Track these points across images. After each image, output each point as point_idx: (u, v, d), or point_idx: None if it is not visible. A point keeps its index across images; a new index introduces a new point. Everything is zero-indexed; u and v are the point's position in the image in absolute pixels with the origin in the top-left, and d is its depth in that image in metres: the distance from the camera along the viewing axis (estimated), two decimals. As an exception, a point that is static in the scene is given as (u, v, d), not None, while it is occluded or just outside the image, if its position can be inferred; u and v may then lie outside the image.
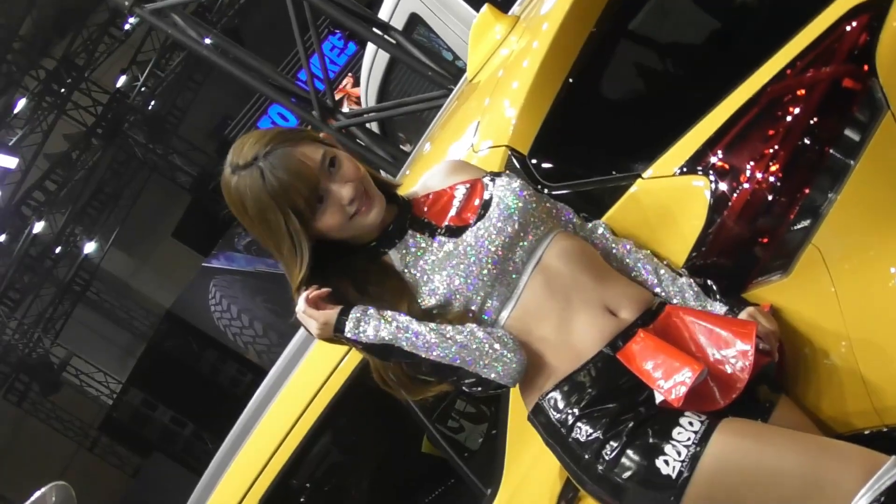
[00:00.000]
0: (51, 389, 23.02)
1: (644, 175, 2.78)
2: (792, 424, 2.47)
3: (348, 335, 2.49)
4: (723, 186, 2.61)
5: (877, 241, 2.50)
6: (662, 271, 2.67)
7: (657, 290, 2.65)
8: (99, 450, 23.80)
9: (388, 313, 2.49)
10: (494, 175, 2.72)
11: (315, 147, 2.54)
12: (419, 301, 2.53)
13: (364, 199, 2.54)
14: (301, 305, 2.52)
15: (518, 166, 3.01)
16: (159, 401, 22.02)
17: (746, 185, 2.58)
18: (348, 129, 8.40)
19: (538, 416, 2.53)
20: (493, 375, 2.46)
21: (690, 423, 2.35)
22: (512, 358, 2.47)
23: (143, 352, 22.38)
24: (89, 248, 23.31)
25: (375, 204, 2.56)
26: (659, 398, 2.39)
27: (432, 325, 2.47)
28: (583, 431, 2.42)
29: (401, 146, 8.67)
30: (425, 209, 2.67)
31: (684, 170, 2.69)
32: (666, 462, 2.33)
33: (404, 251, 2.59)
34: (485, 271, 2.52)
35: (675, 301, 2.63)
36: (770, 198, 2.56)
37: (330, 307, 2.50)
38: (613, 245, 2.74)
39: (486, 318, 2.53)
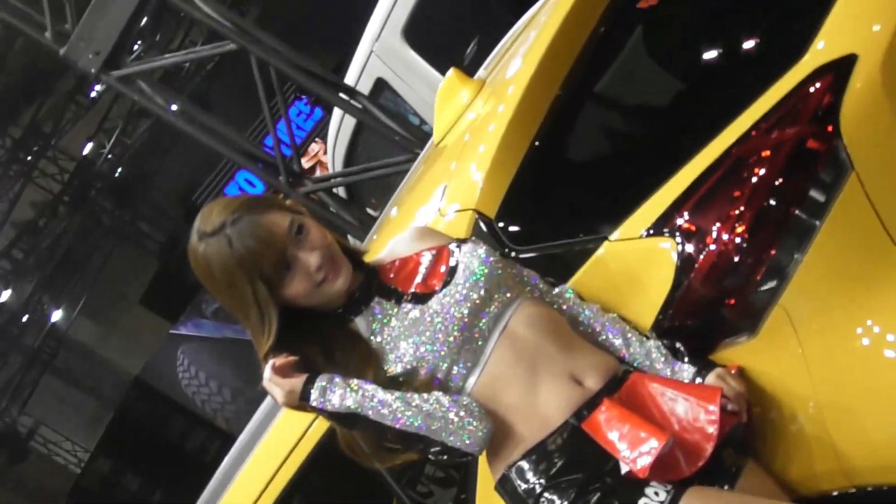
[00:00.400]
0: (18, 458, 22.76)
1: (611, 237, 2.78)
2: (758, 490, 2.46)
3: (314, 403, 2.46)
4: (689, 248, 2.62)
5: (843, 302, 2.51)
6: (630, 334, 2.67)
7: (624, 353, 2.65)
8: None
9: (354, 381, 2.46)
10: (460, 241, 2.71)
11: (282, 214, 2.54)
12: (386, 368, 2.52)
13: (331, 267, 2.54)
14: (268, 373, 2.50)
15: (485, 230, 3.01)
16: (128, 468, 21.82)
17: (713, 247, 2.58)
18: (316, 195, 8.39)
19: (505, 486, 2.51)
20: (459, 444, 2.44)
21: (656, 493, 2.32)
22: (478, 426, 2.45)
23: (111, 419, 22.17)
24: (56, 315, 23.15)
25: (342, 271, 2.56)
26: (624, 469, 2.37)
27: (398, 393, 2.45)
28: (550, 503, 2.41)
29: (368, 210, 8.66)
30: (391, 276, 2.66)
31: (651, 232, 2.70)
32: None
33: (371, 318, 2.58)
34: (451, 338, 2.50)
35: (639, 362, 2.63)
36: (737, 259, 2.56)
37: (296, 375, 2.48)
38: (580, 309, 2.74)
39: (452, 385, 2.51)
